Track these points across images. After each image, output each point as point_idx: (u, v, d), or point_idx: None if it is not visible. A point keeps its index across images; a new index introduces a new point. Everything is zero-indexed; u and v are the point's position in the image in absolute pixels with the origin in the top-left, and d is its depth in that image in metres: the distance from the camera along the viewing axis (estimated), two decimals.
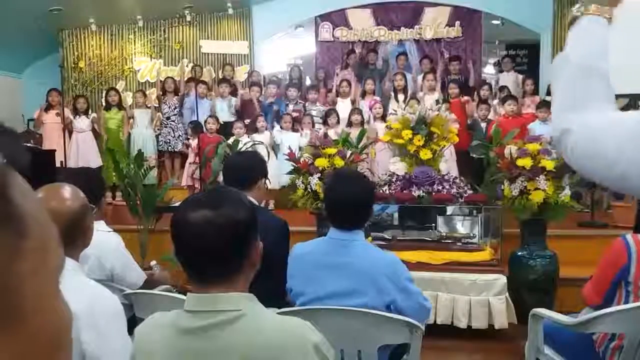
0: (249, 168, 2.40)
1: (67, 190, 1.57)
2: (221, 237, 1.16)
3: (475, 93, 7.08)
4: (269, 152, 6.01)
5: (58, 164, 5.94)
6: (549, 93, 7.10)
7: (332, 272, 1.95)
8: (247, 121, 6.82)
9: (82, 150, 6.80)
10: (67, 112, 6.78)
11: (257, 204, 2.33)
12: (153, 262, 2.94)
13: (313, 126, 6.52)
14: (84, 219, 1.56)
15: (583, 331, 2.03)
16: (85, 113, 7.02)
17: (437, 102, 5.87)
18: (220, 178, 5.70)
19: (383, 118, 6.34)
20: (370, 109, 6.53)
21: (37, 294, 0.41)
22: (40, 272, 0.42)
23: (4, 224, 0.39)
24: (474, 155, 5.34)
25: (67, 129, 6.68)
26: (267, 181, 2.49)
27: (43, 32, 8.13)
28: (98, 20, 8.32)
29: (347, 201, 1.97)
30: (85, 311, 1.37)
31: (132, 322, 1.90)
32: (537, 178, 3.54)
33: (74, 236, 1.54)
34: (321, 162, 3.86)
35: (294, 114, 6.79)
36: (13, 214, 0.39)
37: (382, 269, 1.92)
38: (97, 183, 2.53)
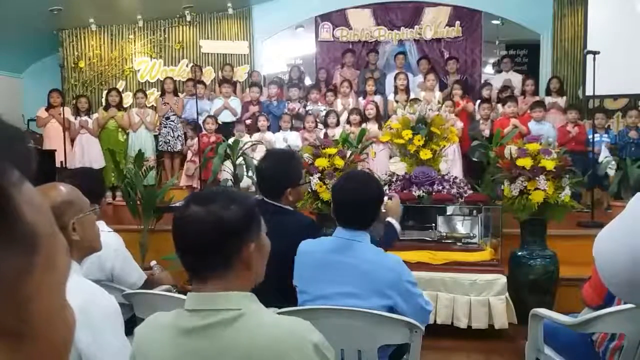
0: (275, 178, 2.28)
1: (57, 188, 1.56)
2: (206, 234, 1.18)
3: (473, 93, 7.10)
4: None
5: (58, 165, 5.96)
6: (548, 93, 7.11)
7: (335, 272, 1.95)
8: (248, 121, 6.84)
9: (86, 151, 6.81)
10: (68, 113, 6.79)
11: (289, 208, 2.29)
12: (153, 262, 2.94)
13: (316, 126, 6.53)
14: (62, 215, 1.52)
15: (583, 331, 2.03)
16: (87, 113, 7.03)
17: (439, 102, 5.88)
18: (220, 177, 5.72)
19: (376, 119, 6.37)
20: (364, 110, 6.54)
21: (46, 308, 0.41)
22: (49, 285, 0.41)
23: (14, 243, 0.38)
24: (474, 159, 5.36)
25: (70, 131, 6.70)
26: (298, 188, 2.34)
27: (43, 32, 8.12)
28: (98, 20, 8.32)
29: (354, 201, 1.98)
30: (80, 311, 1.36)
31: (132, 322, 1.91)
32: (537, 178, 3.54)
33: None
34: (321, 162, 3.86)
35: (297, 109, 6.85)
36: (23, 232, 0.39)
37: (384, 274, 1.92)
38: (97, 183, 2.53)
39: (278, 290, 1.93)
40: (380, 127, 6.13)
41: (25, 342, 0.39)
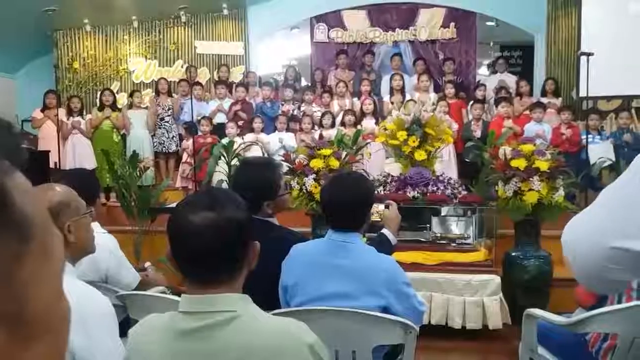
0: (250, 192, 2.00)
1: (53, 189, 1.56)
2: (225, 238, 1.17)
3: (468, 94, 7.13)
4: (263, 153, 6.04)
5: (52, 165, 5.94)
6: (543, 94, 7.14)
7: (328, 273, 1.94)
8: (240, 122, 6.83)
9: (77, 152, 6.78)
10: (62, 114, 6.76)
11: (273, 222, 2.18)
12: (147, 264, 2.93)
13: (313, 127, 6.54)
14: (57, 216, 1.52)
15: (576, 331, 2.04)
16: (80, 114, 7.01)
17: (434, 103, 5.90)
18: (214, 179, 5.72)
19: (374, 114, 6.40)
20: (362, 105, 6.58)
21: (43, 295, 0.41)
22: (43, 276, 0.41)
23: (6, 228, 0.38)
24: (467, 160, 5.39)
25: (62, 131, 6.67)
26: (278, 200, 2.19)
27: (37, 33, 8.10)
28: (92, 21, 8.29)
29: (343, 203, 1.96)
30: (74, 312, 1.36)
31: (126, 324, 1.90)
32: (531, 179, 3.56)
33: None
34: (316, 163, 3.86)
35: (290, 111, 6.87)
36: (15, 218, 0.39)
37: (378, 274, 1.91)
38: (91, 184, 2.53)
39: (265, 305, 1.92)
40: (377, 123, 6.16)
41: (23, 327, 0.40)
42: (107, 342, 1.42)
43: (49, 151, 6.03)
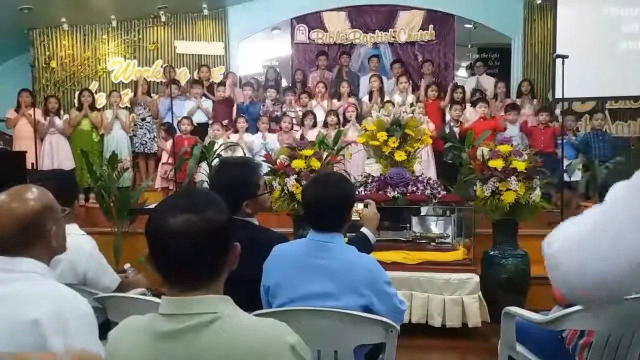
0: (229, 191, 1.94)
1: (32, 191, 1.53)
2: (205, 241, 1.16)
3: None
4: (245, 153, 6.02)
5: (29, 166, 5.83)
6: (519, 95, 7.27)
7: (310, 273, 1.94)
8: (225, 122, 6.81)
9: (55, 152, 6.68)
10: (38, 113, 6.65)
11: (253, 222, 2.19)
12: (127, 266, 2.90)
13: (292, 127, 6.54)
14: (44, 221, 1.51)
15: (553, 328, 2.08)
16: (57, 114, 6.90)
17: (412, 104, 5.94)
18: (196, 179, 5.68)
19: (356, 120, 6.42)
20: (344, 112, 6.59)
21: None
22: None
23: None
24: (448, 160, 5.44)
25: (38, 131, 6.56)
26: (257, 199, 2.18)
27: (13, 31, 7.94)
28: (70, 20, 8.17)
29: (325, 203, 1.97)
30: (53, 316, 1.34)
31: (106, 326, 1.88)
32: (509, 179, 3.61)
33: (32, 238, 1.49)
34: (298, 164, 3.87)
35: (275, 113, 6.86)
36: None
37: (359, 273, 1.92)
38: (69, 185, 2.50)
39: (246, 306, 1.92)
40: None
41: None
42: (87, 344, 1.41)
43: (26, 152, 5.92)
